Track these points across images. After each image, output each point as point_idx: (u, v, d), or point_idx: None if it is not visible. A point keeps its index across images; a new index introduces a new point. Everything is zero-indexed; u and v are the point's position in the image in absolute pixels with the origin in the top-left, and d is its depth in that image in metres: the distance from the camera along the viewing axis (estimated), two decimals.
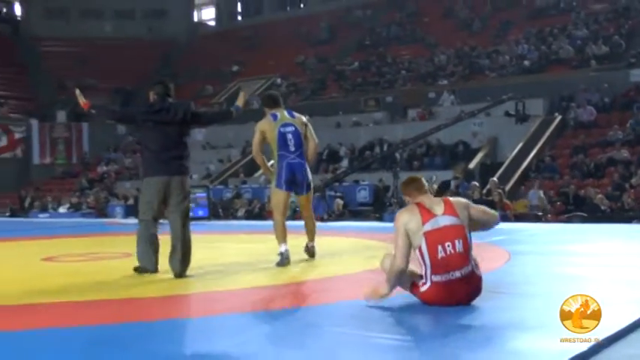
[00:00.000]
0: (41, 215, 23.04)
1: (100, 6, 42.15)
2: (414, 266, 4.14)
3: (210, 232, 11.71)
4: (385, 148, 21.32)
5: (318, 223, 13.38)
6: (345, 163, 21.62)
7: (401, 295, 4.38)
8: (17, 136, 33.30)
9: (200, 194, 15.64)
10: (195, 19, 47.47)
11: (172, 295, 5.07)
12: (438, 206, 4.03)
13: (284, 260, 6.42)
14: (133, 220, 17.01)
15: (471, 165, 19.24)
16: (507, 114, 19.77)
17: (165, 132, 5.90)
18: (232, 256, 7.83)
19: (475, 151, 20.41)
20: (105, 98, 29.66)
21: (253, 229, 12.45)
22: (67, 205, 24.10)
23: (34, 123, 33.62)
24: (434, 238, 3.93)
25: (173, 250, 5.74)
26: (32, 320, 4.10)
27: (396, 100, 25.90)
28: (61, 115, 34.63)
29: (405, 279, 4.16)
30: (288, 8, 42.70)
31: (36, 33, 40.74)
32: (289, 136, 6.69)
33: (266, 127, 6.81)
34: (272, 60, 34.68)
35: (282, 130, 6.70)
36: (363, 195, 19.13)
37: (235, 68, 36.61)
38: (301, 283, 5.53)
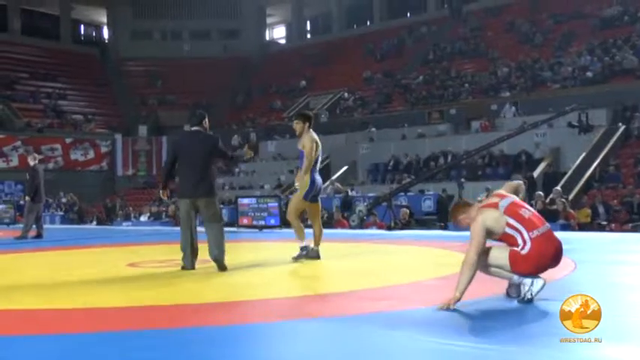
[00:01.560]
0: (124, 224, 23.76)
1: (179, 28, 44.47)
2: (502, 251, 4.55)
3: (281, 239, 11.96)
4: (449, 159, 21.86)
5: (385, 232, 14.12)
6: (409, 173, 22.26)
7: (472, 301, 4.46)
8: (103, 150, 35.39)
9: (272, 204, 15.67)
10: (267, 37, 49.13)
11: (241, 300, 5.17)
12: (496, 197, 4.60)
13: (310, 253, 7.48)
14: None
15: (535, 174, 19.48)
16: (570, 125, 19.98)
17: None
18: (300, 263, 7.77)
19: (538, 162, 20.73)
20: (183, 113, 31.26)
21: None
22: (148, 214, 25.17)
23: (118, 137, 35.61)
24: (513, 208, 4.45)
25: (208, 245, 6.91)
26: (125, 322, 4.22)
27: (460, 113, 26.43)
28: (143, 130, 36.60)
29: (503, 269, 4.56)
30: (355, 26, 43.76)
31: (121, 54, 43.36)
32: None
33: (316, 143, 7.50)
34: (340, 75, 35.77)
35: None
36: (427, 204, 19.36)
37: (303, 84, 37.86)
38: (370, 291, 5.37)
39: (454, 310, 4.28)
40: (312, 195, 7.50)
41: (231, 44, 44.34)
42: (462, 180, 17.77)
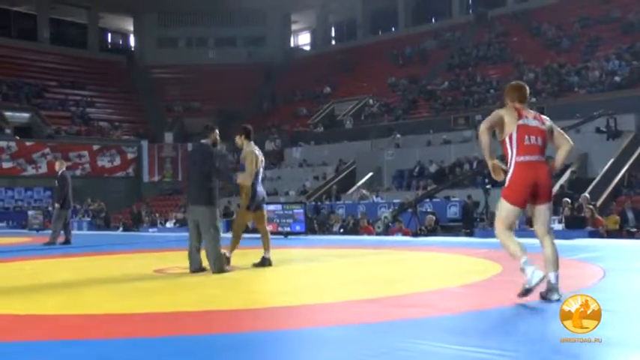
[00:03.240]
0: (151, 230, 23.81)
1: (204, 35, 44.92)
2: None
3: (307, 246, 12.16)
4: (475, 165, 21.74)
5: (411, 239, 14.08)
6: (434, 179, 22.19)
7: (496, 310, 4.53)
8: (130, 156, 35.74)
9: (297, 210, 15.59)
10: (292, 44, 49.36)
11: (268, 306, 5.19)
12: (530, 114, 4.93)
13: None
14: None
15: (561, 181, 19.32)
16: (598, 130, 19.79)
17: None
18: (328, 269, 8.04)
19: (564, 168, 20.52)
20: (208, 119, 31.50)
21: (346, 244, 12.53)
22: (174, 221, 25.33)
23: (144, 144, 35.91)
24: (524, 130, 4.81)
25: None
26: (156, 328, 4.25)
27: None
28: (169, 137, 36.91)
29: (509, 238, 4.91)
30: (380, 32, 43.76)
31: (147, 61, 43.93)
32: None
33: (256, 155, 7.79)
34: (365, 81, 35.79)
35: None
36: (453, 211, 19.28)
37: (327, 90, 37.92)
38: (396, 298, 5.36)
39: (480, 316, 4.30)
40: (255, 205, 7.80)
41: (256, 51, 44.63)
42: (488, 186, 17.65)
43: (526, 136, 4.79)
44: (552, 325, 3.84)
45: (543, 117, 5.03)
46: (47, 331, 4.26)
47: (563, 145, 5.01)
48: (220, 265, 7.20)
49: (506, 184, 4.88)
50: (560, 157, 5.05)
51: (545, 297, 4.74)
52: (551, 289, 4.73)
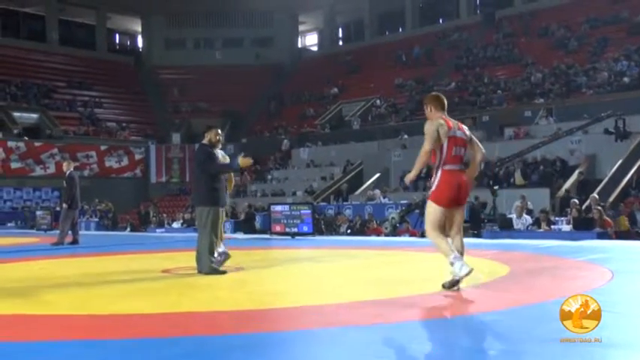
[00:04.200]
0: (158, 230, 23.73)
1: (212, 36, 45.02)
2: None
3: (314, 247, 12.14)
4: (482, 166, 21.66)
5: (418, 239, 14.04)
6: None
7: (505, 311, 4.53)
8: (137, 157, 35.85)
9: (305, 211, 15.50)
10: (299, 45, 49.38)
11: (276, 307, 5.15)
12: (453, 123, 5.52)
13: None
14: (241, 235, 18.27)
15: (568, 182, 19.27)
16: (607, 131, 19.71)
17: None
18: (334, 270, 8.06)
19: (572, 169, 20.47)
20: (216, 120, 31.55)
21: (354, 245, 12.50)
22: (181, 221, 25.36)
23: (152, 145, 36.03)
24: (452, 141, 5.43)
25: None
26: (163, 329, 4.25)
27: (493, 119, 26.26)
28: (176, 137, 37.03)
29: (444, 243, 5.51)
30: (387, 32, 43.75)
31: (155, 62, 44.12)
32: None
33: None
34: (372, 82, 35.78)
35: None
36: None
37: (335, 91, 37.93)
38: (403, 298, 5.33)
39: (487, 317, 4.31)
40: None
41: (263, 52, 44.70)
42: (496, 187, 17.61)
43: (454, 147, 5.42)
44: (560, 326, 3.80)
45: (463, 126, 5.61)
46: (55, 332, 4.27)
47: (478, 154, 5.69)
48: (203, 266, 7.20)
49: (433, 189, 5.51)
50: (475, 164, 5.73)
51: (453, 283, 5.45)
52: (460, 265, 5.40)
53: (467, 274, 5.31)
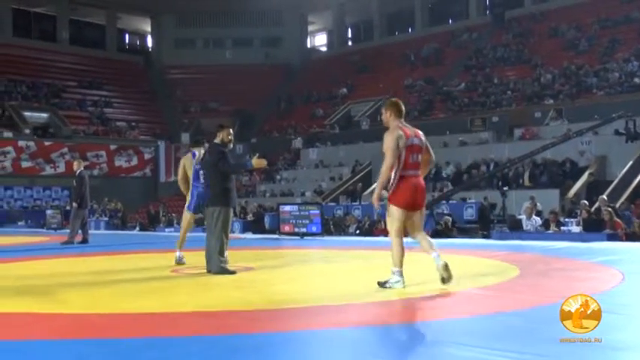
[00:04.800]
0: (167, 230, 23.85)
1: (221, 36, 45.09)
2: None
3: (323, 247, 12.15)
4: (491, 167, 21.61)
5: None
6: (450, 181, 22.13)
7: (515, 312, 4.54)
8: (146, 156, 36.01)
9: (313, 211, 15.59)
10: (309, 45, 49.38)
11: (286, 307, 5.12)
12: (410, 131, 5.80)
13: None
14: (250, 235, 18.31)
15: (578, 183, 19.17)
16: (617, 132, 19.61)
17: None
18: (343, 270, 8.07)
19: (582, 170, 20.36)
20: (225, 120, 31.57)
21: (363, 245, 12.49)
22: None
23: (161, 144, 36.15)
24: (410, 149, 5.71)
25: None
26: (172, 328, 4.26)
27: (502, 120, 26.16)
28: (185, 137, 37.04)
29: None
30: (397, 33, 43.69)
31: (165, 62, 44.25)
32: (201, 172, 8.21)
33: (187, 162, 8.54)
34: (381, 82, 35.71)
35: (196, 167, 8.36)
36: (469, 213, 19.11)
37: (344, 91, 37.92)
38: (413, 300, 5.35)
39: (497, 319, 4.30)
40: (195, 206, 8.39)
41: (272, 52, 44.76)
42: (505, 188, 17.54)
43: (411, 155, 5.71)
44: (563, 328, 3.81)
45: (420, 132, 5.88)
46: (65, 330, 4.29)
47: (430, 160, 6.01)
48: (212, 266, 7.24)
49: (392, 194, 5.76)
50: (425, 170, 5.99)
51: (382, 284, 5.75)
52: (436, 258, 5.74)
53: (393, 288, 5.71)
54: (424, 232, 6.00)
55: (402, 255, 5.84)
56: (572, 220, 14.73)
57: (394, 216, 5.78)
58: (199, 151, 8.38)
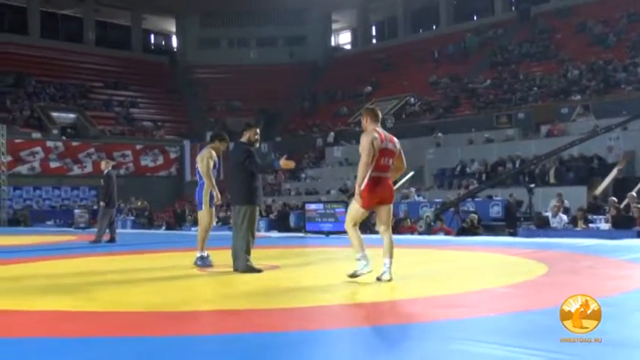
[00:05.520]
0: (193, 229, 24.27)
1: (246, 35, 45.27)
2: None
3: (348, 245, 12.40)
4: (517, 164, 21.43)
5: (453, 238, 13.94)
6: (476, 178, 21.99)
7: (543, 311, 4.48)
8: (172, 155, 36.23)
9: (339, 209, 15.66)
10: (333, 43, 49.31)
11: (311, 305, 5.10)
12: (385, 136, 6.19)
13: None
14: (276, 234, 18.35)
15: (607, 180, 18.87)
16: None
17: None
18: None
19: (611, 166, 20.10)
20: (249, 119, 31.67)
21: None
22: (216, 220, 25.37)
23: (187, 143, 36.28)
24: (383, 153, 6.11)
25: None
26: (198, 326, 4.34)
27: (529, 117, 25.93)
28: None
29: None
30: (421, 30, 43.49)
31: (190, 62, 44.54)
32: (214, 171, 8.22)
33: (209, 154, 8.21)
34: (406, 80, 35.60)
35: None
36: (495, 210, 19.02)
37: (368, 89, 37.83)
38: (441, 298, 5.31)
39: (525, 317, 4.29)
40: (214, 203, 8.21)
41: (297, 50, 44.83)
42: (532, 185, 17.37)
43: (383, 158, 6.11)
44: (600, 327, 3.75)
45: (394, 139, 6.32)
46: (93, 328, 4.34)
47: (401, 167, 6.48)
48: (239, 265, 7.24)
49: (360, 191, 6.08)
50: (395, 175, 6.51)
51: (380, 278, 6.08)
52: (385, 271, 6.08)
53: (365, 273, 6.12)
54: (390, 231, 6.32)
55: (361, 240, 6.22)
56: (600, 217, 14.55)
57: (354, 211, 6.23)
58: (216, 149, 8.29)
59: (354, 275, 6.16)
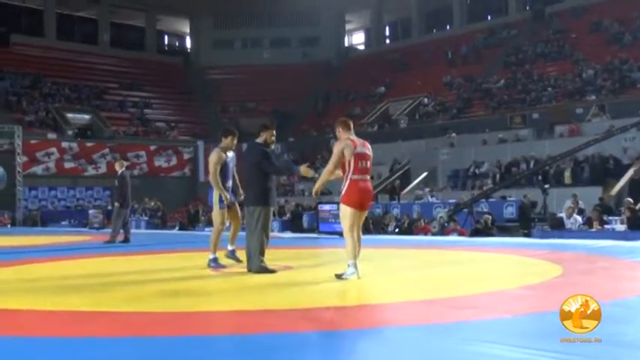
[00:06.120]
0: (207, 229, 24.27)
1: (259, 36, 45.39)
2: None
3: (362, 246, 12.32)
4: (532, 164, 21.32)
5: (467, 239, 13.89)
6: (490, 179, 21.92)
7: (557, 313, 4.52)
8: (186, 156, 36.36)
9: None
10: (346, 44, 49.23)
11: (324, 306, 5.11)
12: (359, 142, 6.64)
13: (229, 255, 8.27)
14: (289, 235, 18.34)
15: (622, 180, 18.73)
16: None
17: None
18: (382, 269, 7.98)
19: (626, 167, 19.94)
20: (263, 119, 31.71)
21: (402, 244, 12.48)
22: (229, 220, 25.31)
23: (200, 144, 36.36)
24: (358, 157, 6.53)
25: None
26: (212, 326, 4.37)
27: (543, 117, 25.78)
28: None
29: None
30: (435, 30, 43.38)
31: (203, 63, 44.66)
32: (231, 165, 8.18)
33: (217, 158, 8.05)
34: (419, 80, 35.52)
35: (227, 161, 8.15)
36: (509, 211, 18.91)
37: (382, 89, 37.77)
38: (454, 299, 5.29)
39: (540, 318, 4.32)
40: (225, 204, 8.10)
41: (310, 51, 44.84)
42: (547, 186, 17.26)
43: (360, 162, 6.54)
44: (611, 329, 3.76)
45: (367, 144, 6.79)
46: (108, 328, 4.36)
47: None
48: (253, 265, 7.25)
49: (344, 194, 6.53)
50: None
51: (339, 276, 6.44)
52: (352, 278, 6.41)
53: (349, 278, 6.38)
54: (361, 233, 6.78)
55: (355, 248, 6.52)
56: (616, 218, 14.44)
57: (346, 214, 6.54)
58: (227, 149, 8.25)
59: (340, 277, 6.45)
